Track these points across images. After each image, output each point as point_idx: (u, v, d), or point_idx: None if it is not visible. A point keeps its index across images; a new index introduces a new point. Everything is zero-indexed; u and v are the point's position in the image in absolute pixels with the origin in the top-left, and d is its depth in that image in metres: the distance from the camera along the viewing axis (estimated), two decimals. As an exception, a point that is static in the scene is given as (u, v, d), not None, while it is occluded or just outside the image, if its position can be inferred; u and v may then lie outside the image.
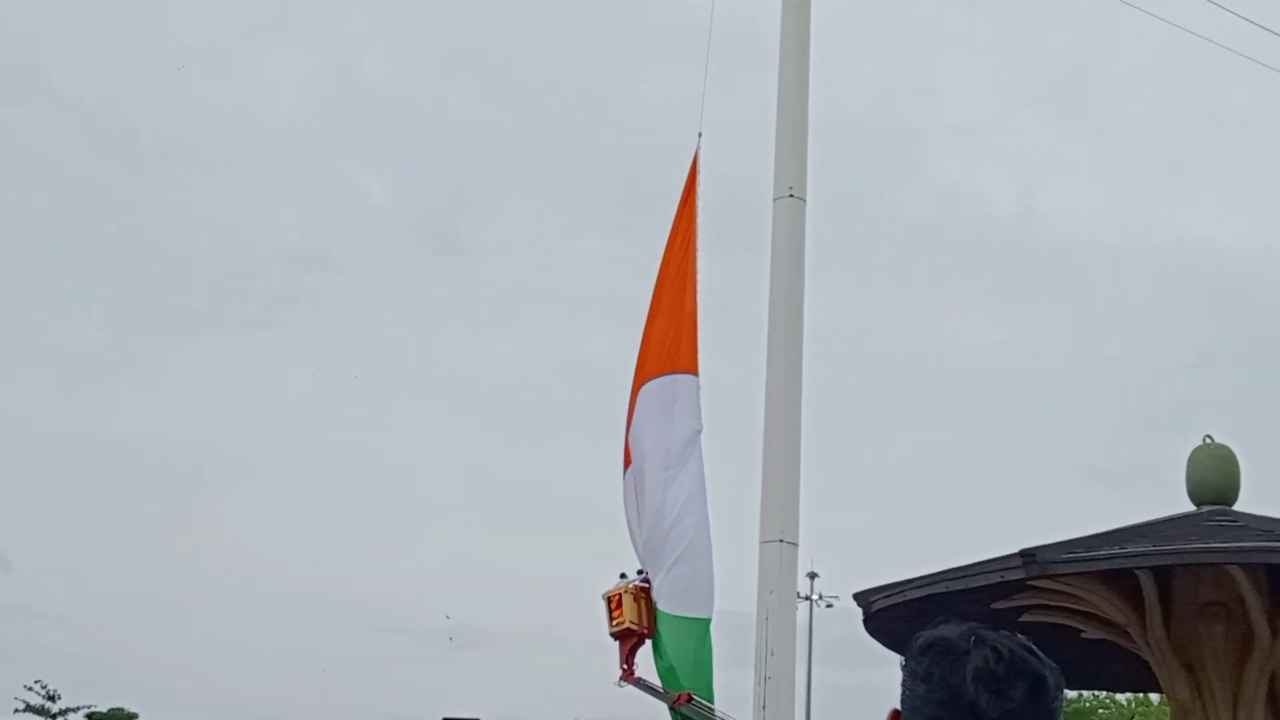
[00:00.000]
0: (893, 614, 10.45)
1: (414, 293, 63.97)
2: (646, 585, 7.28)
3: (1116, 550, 9.45)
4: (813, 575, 46.66)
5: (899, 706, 2.21)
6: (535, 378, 66.07)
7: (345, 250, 67.18)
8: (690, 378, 7.66)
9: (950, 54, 62.26)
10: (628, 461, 7.68)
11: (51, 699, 41.59)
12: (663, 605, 7.21)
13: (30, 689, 40.91)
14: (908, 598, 10.08)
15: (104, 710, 43.91)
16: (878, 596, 10.52)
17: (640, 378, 7.76)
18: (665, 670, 7.16)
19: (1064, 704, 2.18)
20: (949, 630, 2.18)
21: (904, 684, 2.21)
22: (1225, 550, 9.32)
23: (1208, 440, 10.84)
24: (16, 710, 39.99)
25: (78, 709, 42.45)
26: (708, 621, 7.35)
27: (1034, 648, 2.17)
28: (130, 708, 44.67)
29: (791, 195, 8.44)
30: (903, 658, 2.24)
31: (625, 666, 7.19)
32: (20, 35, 59.12)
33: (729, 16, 8.71)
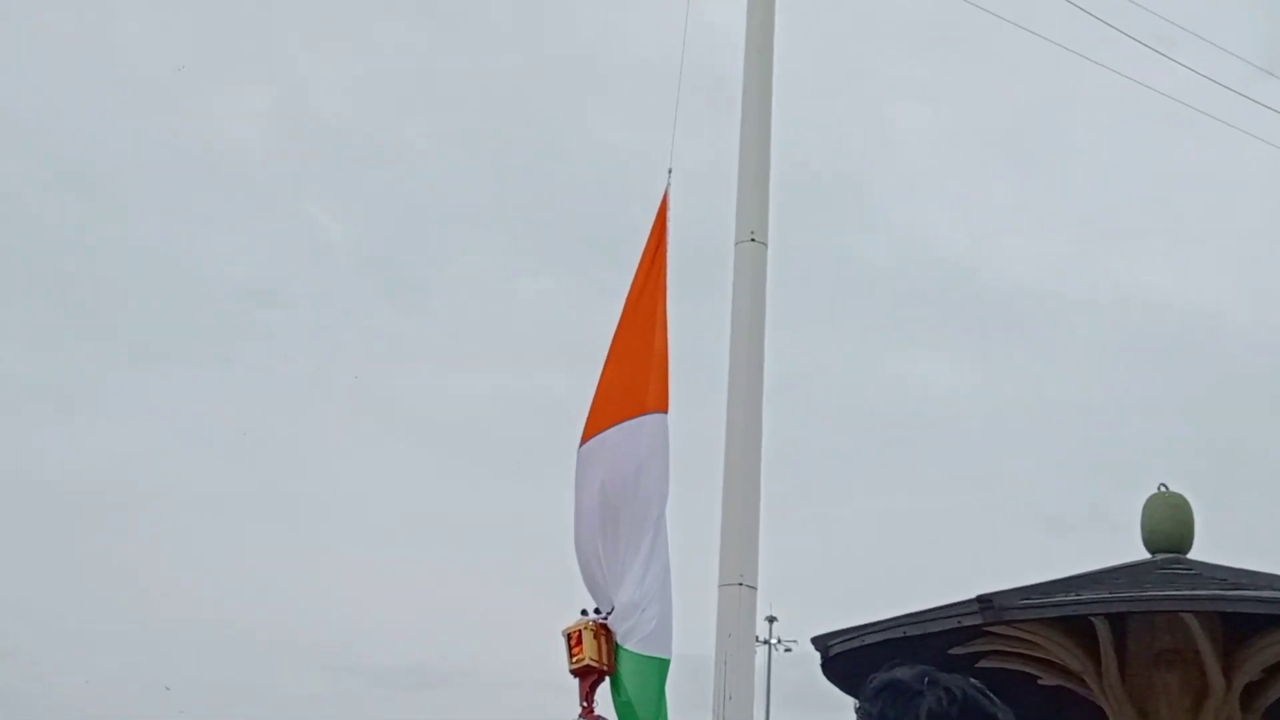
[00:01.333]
0: (851, 658, 10.44)
1: (367, 329, 63.78)
2: (606, 622, 7.25)
3: (1072, 597, 9.50)
4: (771, 619, 46.64)
5: None
6: (491, 415, 65.88)
7: (298, 286, 66.91)
8: (660, 416, 7.65)
9: (906, 103, 62.91)
10: (583, 498, 7.63)
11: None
12: (631, 645, 7.18)
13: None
14: (866, 642, 10.08)
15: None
16: (836, 641, 10.51)
17: (607, 418, 7.71)
18: (623, 706, 7.12)
19: None
20: (903, 672, 2.19)
21: None
22: (1179, 598, 9.39)
23: (1162, 488, 10.92)
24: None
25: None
26: (668, 663, 7.33)
27: (987, 691, 2.17)
28: (73, 747, 43.89)
29: (753, 240, 8.48)
30: (857, 701, 2.24)
31: (585, 704, 7.15)
32: (-35, 68, 58.80)
33: (691, 61, 8.78)
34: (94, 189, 59.29)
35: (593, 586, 7.49)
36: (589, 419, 7.79)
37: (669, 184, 8.36)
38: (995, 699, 2.16)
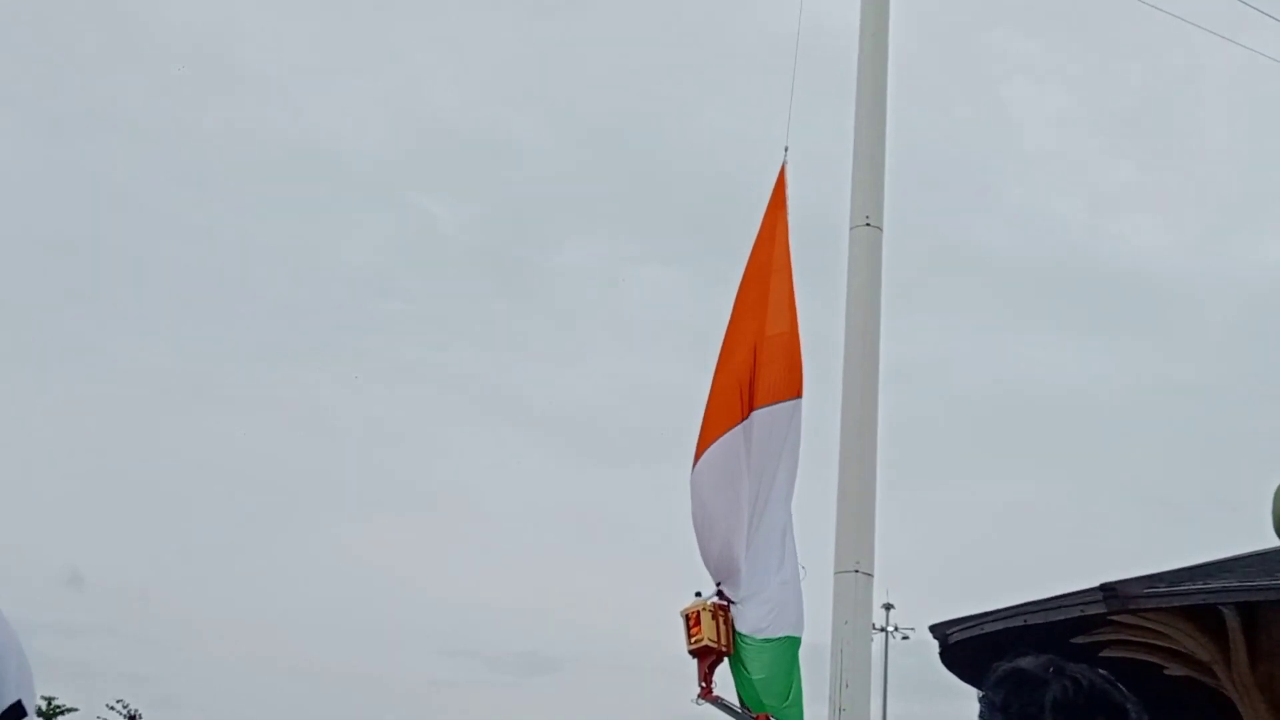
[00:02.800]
0: (970, 647, 10.33)
1: (481, 320, 64.46)
2: (725, 603, 7.28)
3: (1200, 585, 9.29)
4: (888, 606, 46.23)
5: None
6: (604, 405, 66.22)
7: (412, 278, 67.90)
8: (797, 403, 7.63)
9: (1025, 83, 61.74)
10: (708, 494, 7.60)
11: (132, 718, 42.21)
12: (766, 629, 7.20)
13: (111, 708, 41.57)
14: (985, 630, 9.96)
15: (183, 731, 44.38)
16: (955, 629, 10.41)
17: (731, 415, 7.64)
18: (749, 687, 7.14)
19: None
20: (1027, 661, 2.16)
21: (981, 715, 2.19)
22: (1313, 587, 9.13)
23: (1293, 474, 10.64)
24: (98, 729, 40.61)
25: (157, 729, 43.00)
26: (799, 640, 7.33)
27: (1115, 681, 2.14)
28: (208, 729, 45.14)
29: (868, 224, 8.42)
30: (980, 690, 2.22)
31: (704, 684, 7.19)
32: (88, 62, 60.49)
33: (805, 49, 8.71)
34: (213, 185, 60.76)
35: (718, 572, 7.48)
36: (706, 423, 7.71)
37: (785, 161, 8.28)
38: (1123, 689, 2.13)
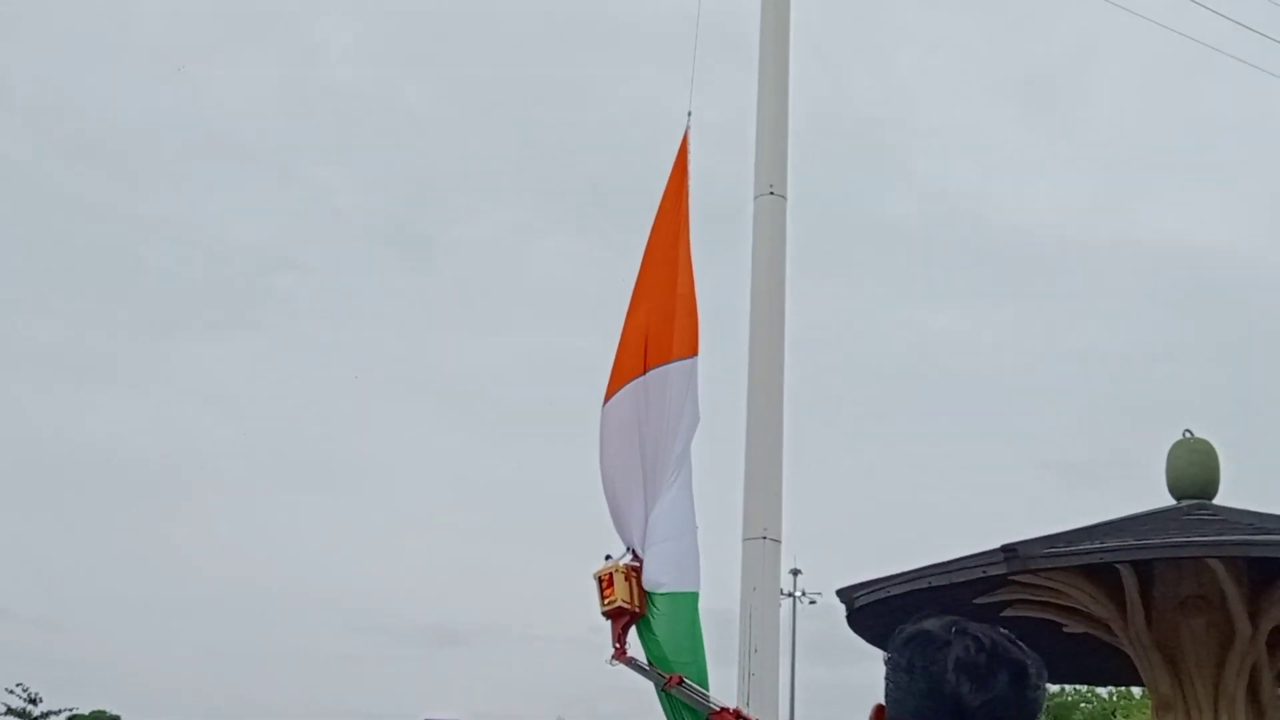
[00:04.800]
0: (876, 610, 10.48)
1: (383, 292, 63.87)
2: (637, 564, 7.31)
3: (1097, 545, 9.50)
4: (796, 572, 46.78)
5: (883, 701, 2.22)
6: (512, 377, 66.08)
7: (312, 251, 67.00)
8: (689, 361, 7.65)
9: (929, 55, 62.50)
10: (613, 447, 7.63)
11: (33, 701, 41.40)
12: (664, 585, 7.24)
13: (11, 692, 40.76)
14: (890, 594, 10.11)
15: (86, 713, 43.72)
16: (861, 593, 10.55)
17: (634, 367, 7.69)
18: (655, 646, 7.18)
19: (1046, 696, 2.20)
20: (931, 623, 2.20)
21: (887, 677, 2.23)
22: (1205, 544, 9.38)
23: (1188, 435, 10.89)
24: (-2, 714, 39.83)
25: (59, 712, 42.27)
26: (697, 596, 7.37)
27: (1015, 639, 2.19)
28: (112, 709, 44.50)
29: (772, 193, 8.45)
30: (886, 651, 2.26)
31: (617, 645, 7.21)
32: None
33: (707, 20, 8.71)
34: (108, 160, 59.48)
35: (626, 533, 7.52)
36: (615, 369, 7.78)
37: (689, 126, 8.28)
38: (1024, 646, 2.17)
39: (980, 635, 2.15)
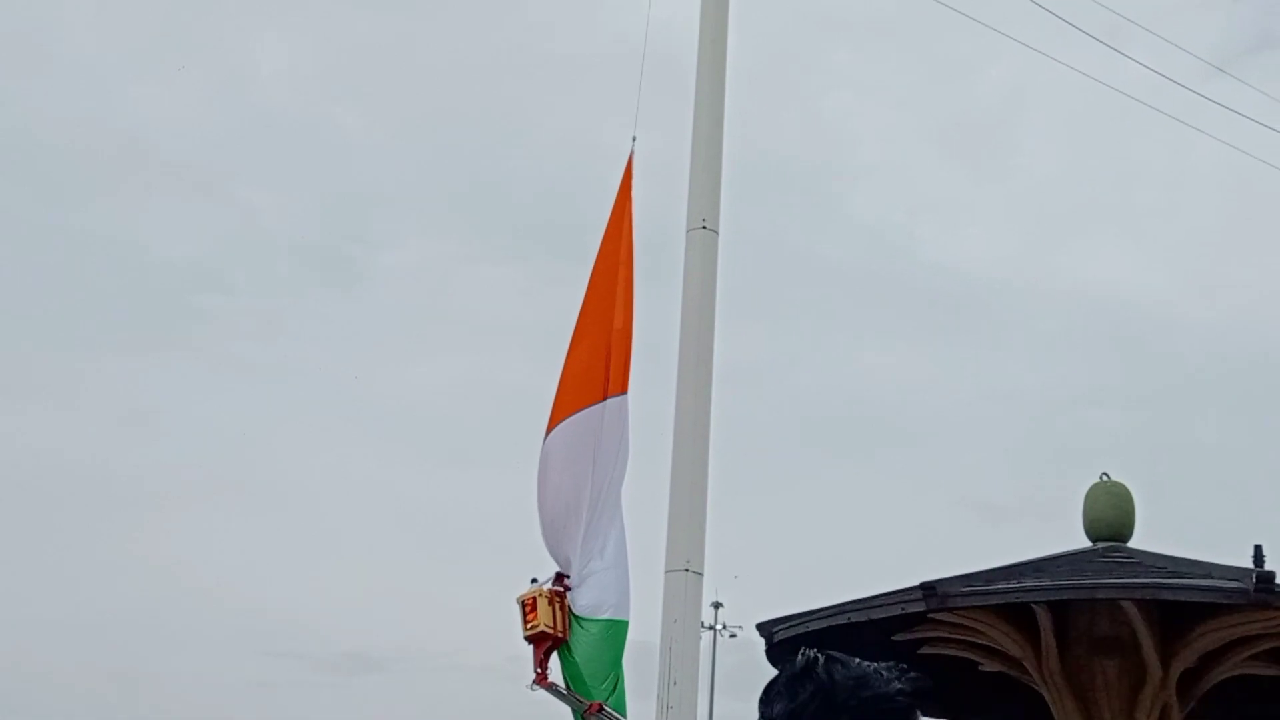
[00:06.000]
0: (795, 644, 10.49)
1: (310, 314, 63.28)
2: (561, 589, 7.30)
3: (1014, 584, 9.62)
4: (717, 605, 46.78)
5: None
6: (437, 401, 65.59)
7: (236, 272, 66.33)
8: (620, 399, 7.69)
9: (861, 98, 63.20)
10: (549, 483, 7.63)
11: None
12: (598, 613, 7.25)
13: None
14: (810, 628, 10.16)
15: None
16: (780, 627, 10.59)
17: (573, 403, 7.71)
18: (574, 670, 7.17)
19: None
20: (798, 660, 2.33)
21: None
22: (1118, 586, 9.52)
23: (1104, 478, 11.06)
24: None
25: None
26: (627, 624, 7.38)
27: (893, 669, 2.25)
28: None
29: (704, 227, 8.51)
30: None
31: (539, 670, 7.19)
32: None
33: (643, 47, 8.77)
34: (23, 171, 58.54)
35: (562, 560, 7.53)
36: (555, 404, 7.79)
37: (632, 151, 8.31)
38: (901, 677, 2.23)
39: (837, 669, 2.23)
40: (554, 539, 7.52)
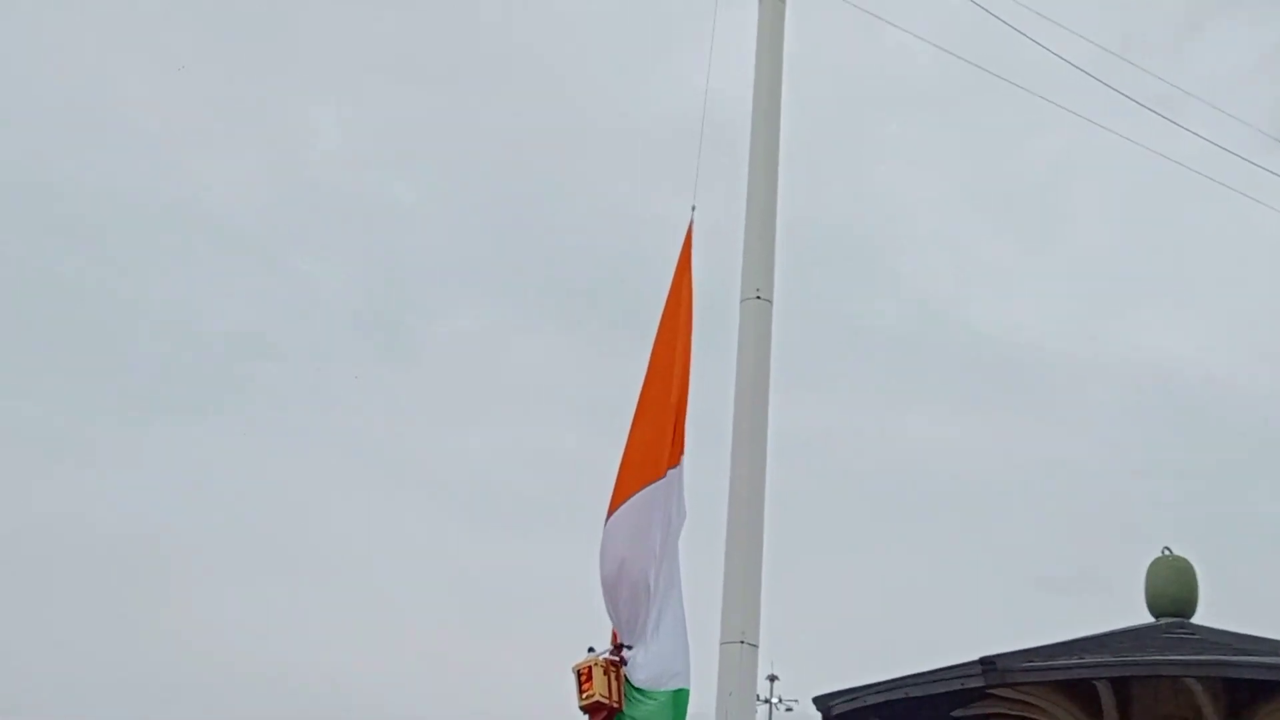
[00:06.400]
0: (853, 718, 10.39)
1: (362, 382, 63.81)
2: (617, 659, 7.28)
3: (1076, 660, 9.47)
4: (773, 678, 46.34)
5: None
6: (490, 470, 65.79)
7: (290, 340, 67.08)
8: (677, 470, 7.74)
9: (911, 168, 63.33)
10: (615, 554, 7.64)
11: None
12: (656, 679, 7.24)
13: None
14: (868, 702, 10.05)
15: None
16: (838, 700, 10.47)
17: (636, 481, 7.74)
18: None
19: None
20: None
21: None
22: (1183, 663, 9.35)
23: (1166, 552, 10.90)
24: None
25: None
26: (687, 693, 7.36)
27: None
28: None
29: (759, 297, 8.52)
30: None
31: None
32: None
33: (699, 119, 8.83)
34: (89, 240, 59.70)
35: (630, 625, 7.53)
36: (618, 482, 7.83)
37: (692, 220, 8.36)
38: None
39: None
40: (618, 612, 7.50)
